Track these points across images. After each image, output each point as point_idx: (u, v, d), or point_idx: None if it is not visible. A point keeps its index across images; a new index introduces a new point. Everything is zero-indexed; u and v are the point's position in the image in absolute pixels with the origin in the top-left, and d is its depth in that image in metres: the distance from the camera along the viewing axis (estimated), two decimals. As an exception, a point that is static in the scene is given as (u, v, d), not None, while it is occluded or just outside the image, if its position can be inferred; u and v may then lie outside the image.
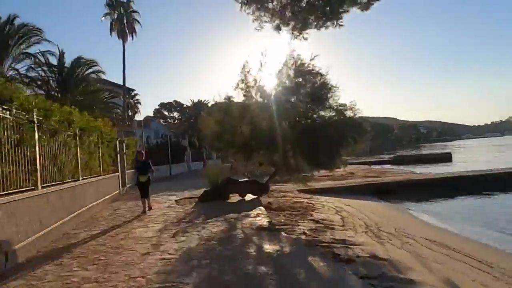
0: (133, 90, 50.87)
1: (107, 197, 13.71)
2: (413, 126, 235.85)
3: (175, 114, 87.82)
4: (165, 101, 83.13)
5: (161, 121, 64.55)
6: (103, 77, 27.01)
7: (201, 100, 55.65)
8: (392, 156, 48.01)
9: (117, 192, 15.95)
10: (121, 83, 41.07)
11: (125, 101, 35.68)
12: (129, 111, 52.00)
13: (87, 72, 23.97)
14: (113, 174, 15.43)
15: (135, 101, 52.45)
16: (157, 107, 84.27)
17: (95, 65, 24.35)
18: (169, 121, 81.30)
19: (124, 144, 17.47)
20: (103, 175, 13.45)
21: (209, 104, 56.87)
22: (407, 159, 43.47)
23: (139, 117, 53.36)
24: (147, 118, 57.66)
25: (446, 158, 42.71)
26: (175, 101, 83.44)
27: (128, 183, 18.98)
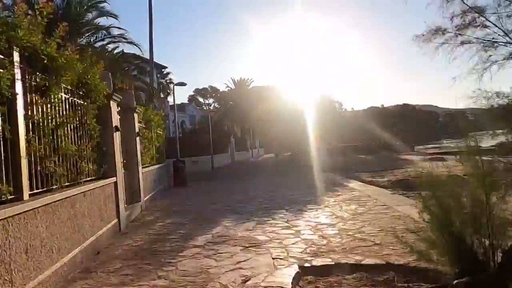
0: (165, 67, 42.74)
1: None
2: (461, 113, 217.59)
3: (211, 100, 79.95)
4: (200, 87, 75.59)
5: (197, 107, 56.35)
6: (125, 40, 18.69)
7: (244, 79, 46.88)
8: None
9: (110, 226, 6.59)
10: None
11: (152, 76, 27.27)
12: (161, 92, 44.07)
13: (89, 14, 15.43)
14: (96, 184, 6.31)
15: (167, 81, 44.42)
16: (192, 93, 76.51)
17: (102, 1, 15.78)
18: (205, 108, 73.44)
19: (135, 114, 8.66)
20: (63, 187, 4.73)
21: (252, 84, 48.75)
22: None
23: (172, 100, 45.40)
24: (182, 104, 49.72)
25: None
26: (211, 86, 75.39)
27: (151, 191, 10.50)
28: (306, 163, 27.63)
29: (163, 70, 44.91)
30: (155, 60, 33.54)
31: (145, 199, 9.42)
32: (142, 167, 9.91)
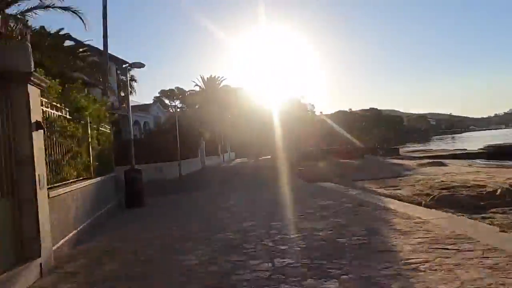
0: (125, 62, 37.73)
1: None
2: (423, 118, 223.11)
3: (178, 102, 75.09)
4: (166, 88, 70.83)
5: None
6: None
7: (215, 77, 42.62)
8: (481, 148, 34.41)
9: None
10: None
11: (106, 66, 22.80)
12: (121, 90, 39.06)
13: None
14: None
15: (130, 78, 39.43)
16: (157, 95, 71.40)
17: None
18: (172, 110, 68.64)
19: (30, 87, 4.35)
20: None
21: (223, 82, 44.58)
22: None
23: (136, 99, 40.41)
24: (146, 104, 44.87)
25: None
26: (178, 87, 70.65)
27: (80, 223, 6.30)
28: (290, 169, 23.93)
29: (125, 66, 39.99)
30: (114, 54, 28.94)
31: (60, 244, 5.21)
32: (60, 185, 5.67)
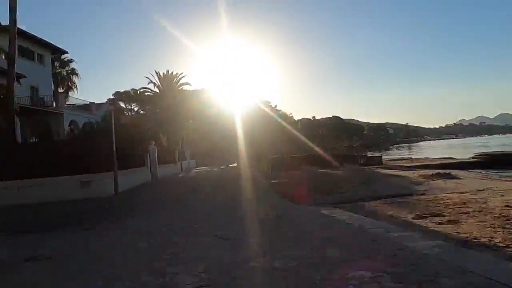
0: (65, 52, 31.06)
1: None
2: (382, 127, 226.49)
3: (134, 106, 67.98)
4: (122, 90, 63.50)
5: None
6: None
7: (172, 73, 36.70)
8: (471, 157, 30.57)
9: None
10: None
11: (15, 51, 16.70)
12: (59, 85, 32.30)
13: None
14: None
15: (68, 71, 32.70)
16: (112, 97, 63.84)
17: None
18: (127, 114, 61.33)
19: None
20: None
21: (183, 79, 38.60)
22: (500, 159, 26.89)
23: (78, 97, 33.74)
24: (93, 104, 38.33)
25: None
26: (134, 89, 63.68)
27: None
28: (263, 181, 18.70)
29: (63, 57, 33.29)
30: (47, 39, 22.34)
31: None
32: None
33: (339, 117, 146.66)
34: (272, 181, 18.24)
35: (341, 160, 30.49)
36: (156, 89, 36.05)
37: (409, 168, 24.22)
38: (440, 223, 7.61)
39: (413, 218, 8.44)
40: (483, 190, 12.61)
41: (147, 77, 36.72)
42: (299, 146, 38.82)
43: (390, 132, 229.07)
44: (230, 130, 29.58)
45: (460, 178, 16.80)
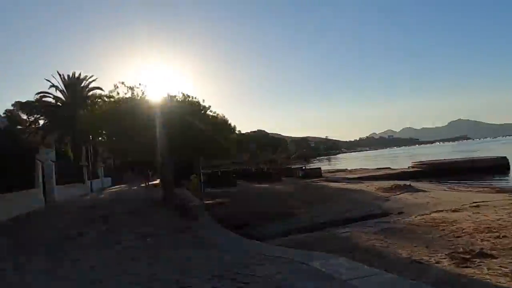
0: None
1: None
2: (304, 141, 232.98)
3: (40, 117, 58.24)
4: (24, 100, 53.67)
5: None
6: None
7: (80, 75, 30.63)
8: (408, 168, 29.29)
9: None
10: None
11: None
12: None
13: None
14: None
15: None
16: (11, 108, 53.31)
17: None
18: (32, 127, 51.61)
19: None
20: None
21: (92, 80, 32.24)
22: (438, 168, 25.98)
23: None
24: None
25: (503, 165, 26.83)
26: (40, 99, 54.36)
27: None
28: (195, 203, 14.53)
29: None
30: None
31: None
32: None
33: (263, 130, 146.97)
34: (208, 202, 14.21)
35: (277, 174, 27.43)
36: (59, 94, 29.72)
37: (354, 180, 21.83)
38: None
39: (458, 265, 5.13)
40: (477, 205, 10.03)
41: (47, 80, 30.24)
42: (230, 159, 35.20)
43: (311, 145, 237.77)
44: (152, 142, 24.84)
45: (425, 191, 14.43)
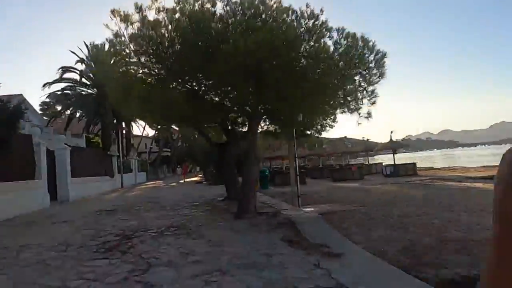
0: None
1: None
2: (341, 141, 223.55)
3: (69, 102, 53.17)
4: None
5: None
6: None
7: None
8: None
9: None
10: None
11: None
12: None
13: None
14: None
15: None
16: (47, 100, 46.58)
17: None
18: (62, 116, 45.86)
19: None
20: None
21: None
22: None
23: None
24: None
25: None
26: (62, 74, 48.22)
27: None
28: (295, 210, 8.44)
29: None
30: None
31: None
32: None
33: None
34: (307, 209, 8.03)
35: (354, 171, 20.98)
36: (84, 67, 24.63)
37: (481, 179, 14.95)
38: None
39: None
40: None
41: (72, 52, 25.15)
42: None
43: (348, 145, 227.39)
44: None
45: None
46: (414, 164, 20.82)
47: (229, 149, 9.56)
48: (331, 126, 9.75)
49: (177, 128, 28.15)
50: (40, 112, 29.82)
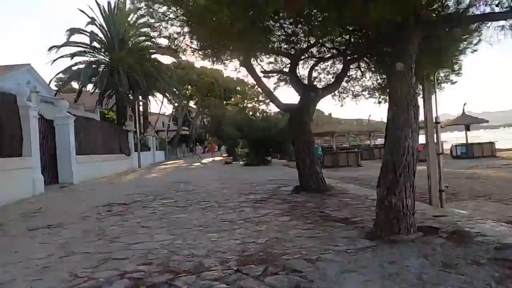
0: None
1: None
2: (359, 122, 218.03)
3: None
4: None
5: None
6: None
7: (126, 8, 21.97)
8: None
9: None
10: None
11: None
12: None
13: None
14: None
15: None
16: (62, 76, 43.17)
17: None
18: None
19: None
20: None
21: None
22: None
23: None
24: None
25: None
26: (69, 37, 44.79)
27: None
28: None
29: None
30: None
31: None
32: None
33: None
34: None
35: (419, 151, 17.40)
36: (98, 32, 21.26)
37: None
38: None
39: None
40: None
41: (82, 11, 21.74)
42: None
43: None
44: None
45: None
46: (493, 143, 17.01)
47: (306, 112, 6.21)
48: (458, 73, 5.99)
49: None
50: (55, 88, 26.76)
